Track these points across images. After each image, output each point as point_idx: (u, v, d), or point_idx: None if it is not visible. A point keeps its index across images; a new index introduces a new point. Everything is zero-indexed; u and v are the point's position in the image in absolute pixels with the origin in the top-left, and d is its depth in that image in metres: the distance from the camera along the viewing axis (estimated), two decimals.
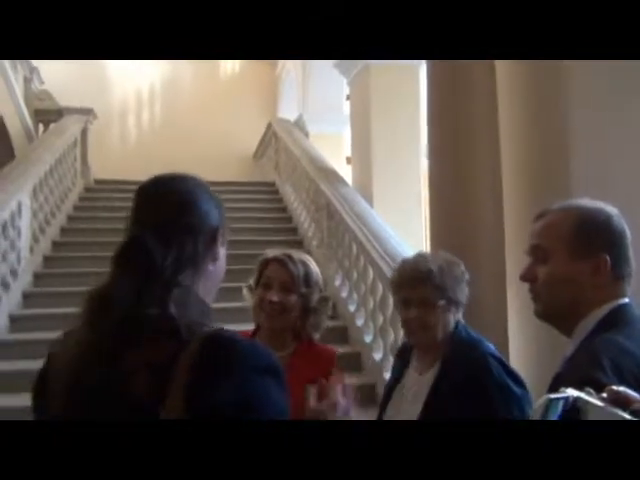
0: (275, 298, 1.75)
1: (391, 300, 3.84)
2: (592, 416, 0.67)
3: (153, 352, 0.79)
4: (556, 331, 1.21)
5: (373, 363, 4.01)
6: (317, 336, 1.87)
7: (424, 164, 5.92)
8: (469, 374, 1.53)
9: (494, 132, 2.78)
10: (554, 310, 1.16)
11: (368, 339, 4.18)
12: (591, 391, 0.70)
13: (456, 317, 1.67)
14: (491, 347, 1.65)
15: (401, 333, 3.63)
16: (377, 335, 4.07)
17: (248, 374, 0.79)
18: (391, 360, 3.78)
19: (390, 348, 3.83)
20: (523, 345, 2.47)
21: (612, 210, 1.16)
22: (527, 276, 1.19)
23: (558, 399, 0.70)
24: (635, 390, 0.92)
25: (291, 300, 1.77)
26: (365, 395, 3.66)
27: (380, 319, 4.03)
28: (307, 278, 1.80)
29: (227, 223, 1.03)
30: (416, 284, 1.65)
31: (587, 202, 1.18)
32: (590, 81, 2.30)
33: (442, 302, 1.62)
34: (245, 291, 1.89)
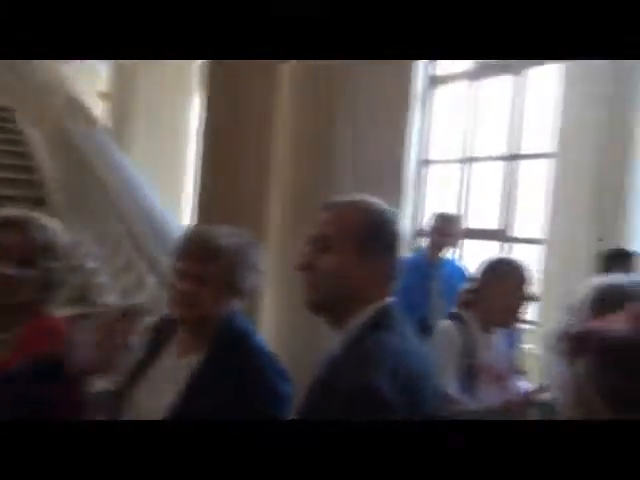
0: (6, 272, 1.44)
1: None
2: None
3: None
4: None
5: None
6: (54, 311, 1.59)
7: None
8: (237, 368, 1.44)
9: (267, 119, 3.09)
10: (330, 302, 1.16)
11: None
12: None
13: (233, 304, 1.55)
14: (263, 342, 1.58)
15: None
16: None
17: None
18: None
19: None
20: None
21: (394, 213, 1.22)
22: (305, 265, 1.17)
23: None
24: (403, 390, 1.00)
25: (27, 275, 1.47)
26: None
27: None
28: (48, 247, 1.51)
29: None
30: (199, 259, 1.48)
31: (375, 201, 1.21)
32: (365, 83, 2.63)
33: (221, 285, 1.49)
34: None
